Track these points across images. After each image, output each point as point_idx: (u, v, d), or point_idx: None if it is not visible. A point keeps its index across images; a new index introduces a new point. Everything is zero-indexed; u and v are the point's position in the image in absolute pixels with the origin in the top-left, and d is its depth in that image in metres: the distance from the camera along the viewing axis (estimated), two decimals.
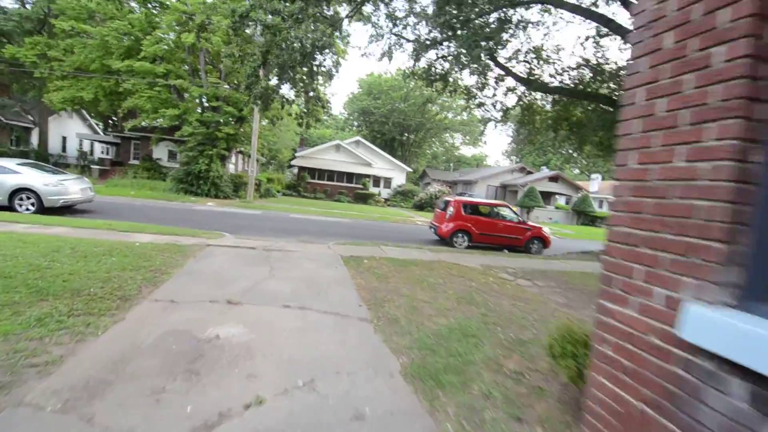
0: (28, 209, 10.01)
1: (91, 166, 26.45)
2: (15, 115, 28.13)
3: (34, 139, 30.01)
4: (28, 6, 25.38)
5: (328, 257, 7.62)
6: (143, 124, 22.50)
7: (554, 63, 14.50)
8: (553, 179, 36.34)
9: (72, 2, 20.72)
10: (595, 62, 12.76)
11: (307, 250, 8.23)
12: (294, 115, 12.39)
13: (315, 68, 10.01)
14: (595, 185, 42.05)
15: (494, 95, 15.87)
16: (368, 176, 34.17)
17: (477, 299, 5.65)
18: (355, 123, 56.90)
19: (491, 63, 14.54)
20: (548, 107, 15.59)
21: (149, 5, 20.90)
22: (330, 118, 70.35)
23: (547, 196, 36.07)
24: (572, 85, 13.86)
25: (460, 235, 12.09)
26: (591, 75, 13.01)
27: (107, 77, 20.78)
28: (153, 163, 25.83)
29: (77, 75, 21.55)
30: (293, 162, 33.80)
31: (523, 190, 35.02)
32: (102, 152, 37.69)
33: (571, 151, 69.19)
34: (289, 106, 11.22)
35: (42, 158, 27.32)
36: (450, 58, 14.72)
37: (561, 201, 37.97)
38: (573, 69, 13.49)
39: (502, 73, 14.82)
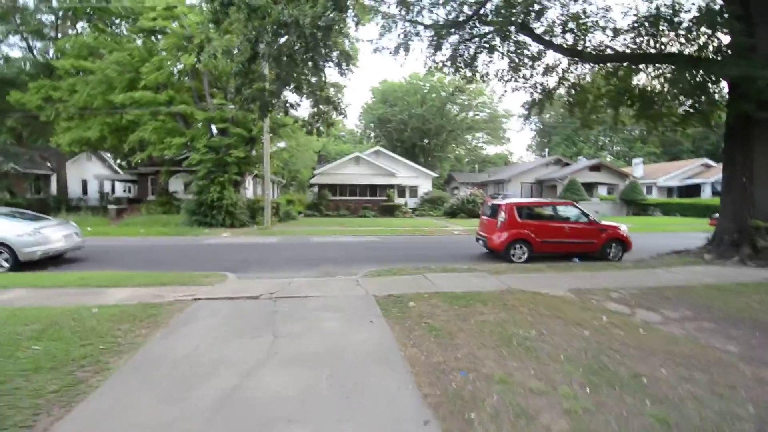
0: (1, 266, 8.43)
1: (108, 206, 25.65)
2: (31, 163, 27.92)
3: (54, 185, 29.81)
4: (35, 51, 25.10)
5: (358, 302, 5.45)
6: (153, 155, 21.33)
7: (605, 27, 12.04)
8: (595, 168, 33.10)
9: (70, 39, 19.97)
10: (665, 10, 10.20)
11: (328, 290, 6.11)
12: (301, 122, 10.44)
13: (321, 59, 8.04)
14: (640, 170, 38.34)
15: (531, 75, 13.49)
16: (392, 186, 32.06)
17: (616, 371, 3.32)
18: (373, 134, 55.24)
19: (528, 39, 12.29)
20: (600, 82, 13.05)
21: (147, 34, 19.77)
22: (347, 133, 69.26)
23: (590, 188, 32.78)
24: (633, 49, 11.34)
25: (518, 246, 9.69)
26: (659, 30, 10.43)
27: (111, 112, 19.75)
28: (168, 197, 24.70)
29: (81, 114, 20.69)
30: (312, 180, 32.18)
31: (563, 184, 31.97)
32: (124, 191, 37.46)
33: (605, 138, 65.13)
34: (294, 110, 9.30)
35: (60, 203, 26.94)
36: (476, 39, 12.58)
37: (602, 192, 34.55)
38: (634, 29, 10.97)
39: (541, 47, 12.50)
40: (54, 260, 9.48)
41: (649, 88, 12.17)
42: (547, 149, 42.88)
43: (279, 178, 43.98)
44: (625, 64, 11.96)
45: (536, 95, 13.21)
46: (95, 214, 23.73)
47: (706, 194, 33.67)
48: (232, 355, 3.64)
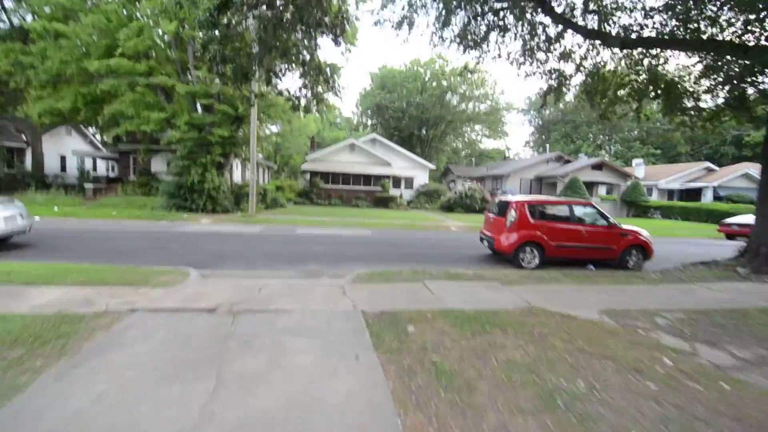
0: None
1: (84, 185, 24.01)
2: (2, 135, 26.08)
3: (29, 160, 28.01)
4: (8, 13, 23.11)
5: (343, 322, 4.23)
6: (133, 131, 19.73)
7: (632, 8, 10.78)
8: (597, 167, 32.05)
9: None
10: None
11: (306, 301, 4.89)
12: (287, 96, 9.09)
13: (310, 19, 6.67)
14: (641, 171, 37.42)
15: (547, 60, 12.21)
16: (387, 177, 30.74)
17: None
18: (369, 121, 53.57)
19: (547, 18, 11.04)
20: (623, 70, 11.84)
21: None
22: (342, 120, 67.39)
23: (590, 187, 31.78)
24: (664, 33, 10.11)
25: (528, 249, 8.54)
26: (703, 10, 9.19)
27: (86, 81, 18.07)
28: (149, 178, 23.18)
29: (55, 83, 18.98)
30: (304, 167, 30.72)
31: (564, 182, 30.94)
32: (106, 169, 35.61)
33: (604, 137, 64.22)
34: (278, 79, 7.93)
35: (36, 180, 25.23)
36: (489, 15, 11.30)
37: (601, 191, 33.58)
38: (669, 8, 9.71)
39: (560, 29, 11.25)
40: None
41: (677, 78, 11.01)
42: (547, 145, 41.71)
43: (270, 163, 42.39)
44: (654, 50, 10.77)
45: (552, 82, 11.99)
46: (70, 192, 22.17)
47: (707, 198, 32.95)
48: (144, 419, 2.42)
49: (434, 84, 45.99)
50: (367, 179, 30.38)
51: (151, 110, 17.43)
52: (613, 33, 10.45)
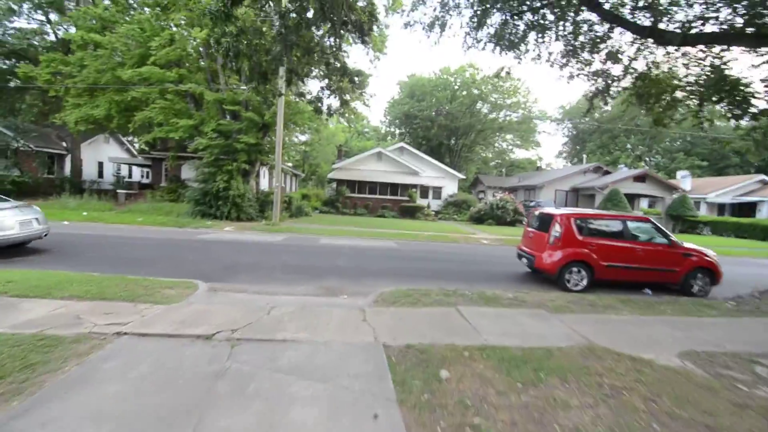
0: None
1: (118, 191, 24.59)
2: (45, 141, 27.23)
3: (68, 166, 29.11)
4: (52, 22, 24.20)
5: (360, 361, 3.47)
6: (162, 138, 20.05)
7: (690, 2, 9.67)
8: (640, 179, 30.05)
9: (82, 11, 18.78)
10: None
11: (318, 328, 4.18)
12: (308, 99, 8.56)
13: (334, 14, 6.10)
14: (687, 183, 34.90)
15: (591, 62, 11.19)
16: (415, 186, 29.95)
17: None
18: (397, 131, 53.08)
19: (594, 15, 10.14)
20: (679, 71, 10.65)
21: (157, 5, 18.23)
22: (370, 129, 67.33)
23: (632, 200, 29.81)
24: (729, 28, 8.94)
25: (575, 269, 7.53)
26: None
27: (120, 89, 18.41)
28: (177, 185, 23.42)
29: (91, 91, 19.49)
30: (330, 175, 30.40)
31: (603, 194, 29.15)
32: (142, 176, 36.70)
33: (643, 147, 61.00)
34: (301, 81, 7.41)
35: (73, 185, 26.11)
36: (528, 14, 10.53)
37: (643, 204, 31.44)
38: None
39: (607, 27, 10.31)
40: (8, 251, 7.93)
41: (745, 79, 9.74)
42: (584, 156, 39.67)
43: (297, 172, 42.60)
44: (717, 48, 9.58)
45: (598, 85, 10.96)
46: (104, 198, 22.71)
47: (762, 214, 30.23)
48: None
49: (464, 93, 45.08)
50: (394, 188, 29.72)
51: (180, 118, 17.51)
52: (668, 30, 9.38)
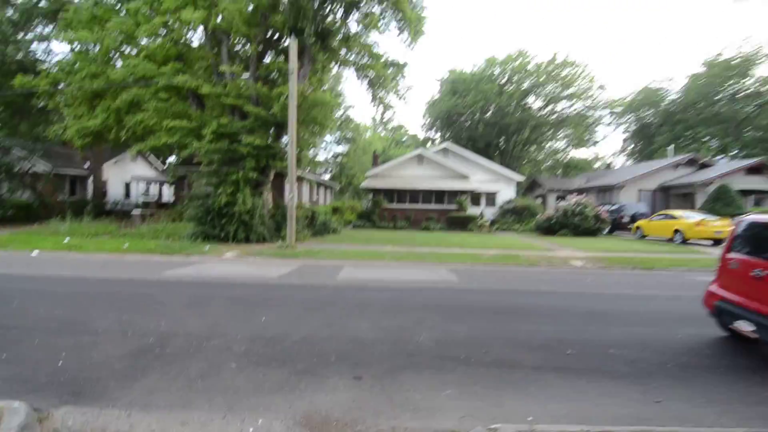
0: None
1: (132, 212, 22.24)
2: (68, 162, 25.76)
3: (90, 187, 27.54)
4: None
5: None
6: (150, 148, 17.16)
7: None
8: (755, 170, 23.56)
9: (72, 10, 16.44)
10: None
11: None
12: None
13: None
14: None
15: None
16: (464, 193, 25.35)
17: None
18: (438, 134, 48.58)
19: None
20: None
21: None
22: (409, 137, 63.29)
23: (744, 196, 23.38)
24: None
25: None
26: None
27: (108, 89, 15.67)
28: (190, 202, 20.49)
29: (91, 101, 17.00)
30: (364, 184, 26.60)
31: (705, 192, 23.03)
32: (168, 194, 34.97)
33: (726, 137, 52.11)
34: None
35: (96, 207, 24.26)
36: None
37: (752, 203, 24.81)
38: None
39: None
40: None
41: None
42: (672, 146, 33.01)
43: (333, 183, 39.36)
44: None
45: None
46: (118, 219, 20.32)
47: None
48: None
49: (511, 87, 39.92)
50: (439, 196, 25.31)
51: (178, 119, 14.35)
52: None
